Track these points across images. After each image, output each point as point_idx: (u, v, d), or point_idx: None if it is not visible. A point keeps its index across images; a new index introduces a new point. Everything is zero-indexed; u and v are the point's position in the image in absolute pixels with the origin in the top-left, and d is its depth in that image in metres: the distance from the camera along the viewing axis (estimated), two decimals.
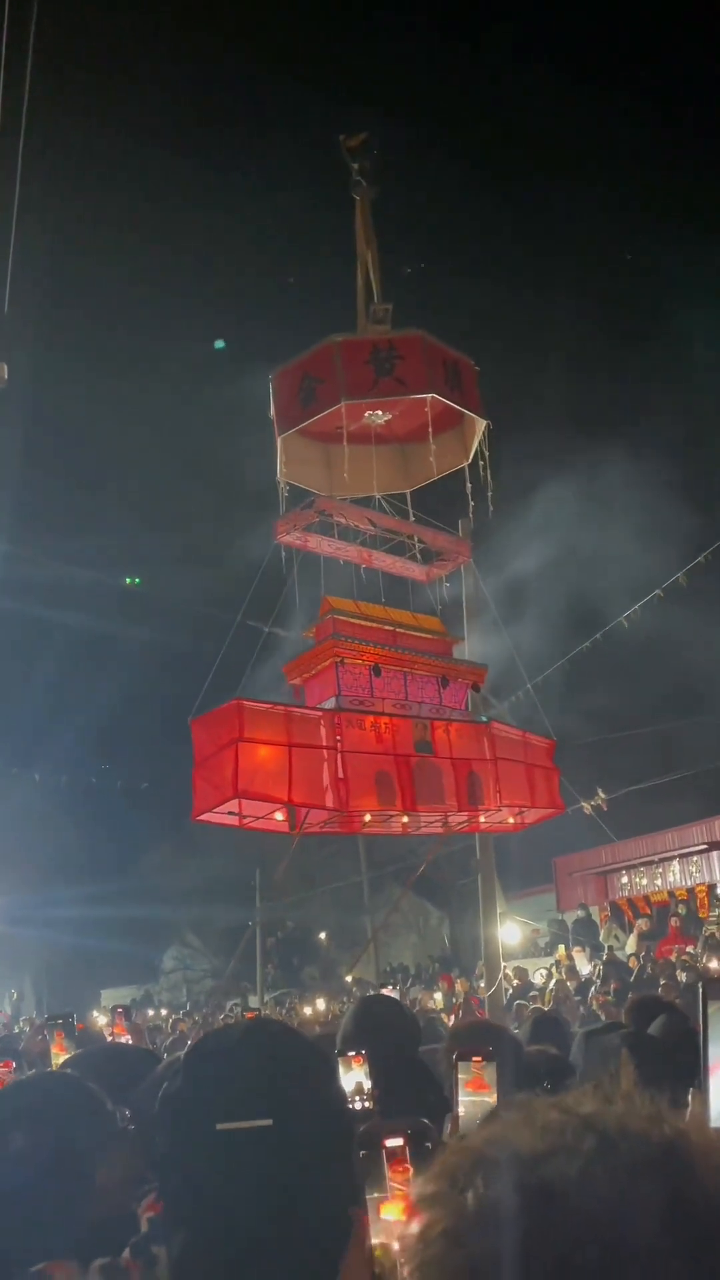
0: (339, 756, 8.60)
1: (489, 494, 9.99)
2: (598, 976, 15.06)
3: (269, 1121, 1.27)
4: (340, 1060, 2.35)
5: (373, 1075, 2.42)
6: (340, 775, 8.56)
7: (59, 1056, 4.26)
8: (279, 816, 9.25)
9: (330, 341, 9.43)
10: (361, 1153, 1.36)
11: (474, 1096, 1.89)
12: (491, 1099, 1.88)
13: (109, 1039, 5.71)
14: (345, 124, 10.58)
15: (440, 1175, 0.75)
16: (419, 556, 10.42)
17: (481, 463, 9.97)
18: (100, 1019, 12.65)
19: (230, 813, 8.90)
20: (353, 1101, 2.31)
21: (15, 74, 7.75)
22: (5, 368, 10.28)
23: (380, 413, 9.84)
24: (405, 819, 9.61)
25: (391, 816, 9.41)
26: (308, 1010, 17.66)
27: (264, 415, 10.02)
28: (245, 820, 9.21)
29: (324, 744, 8.66)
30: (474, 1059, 1.90)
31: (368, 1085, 2.38)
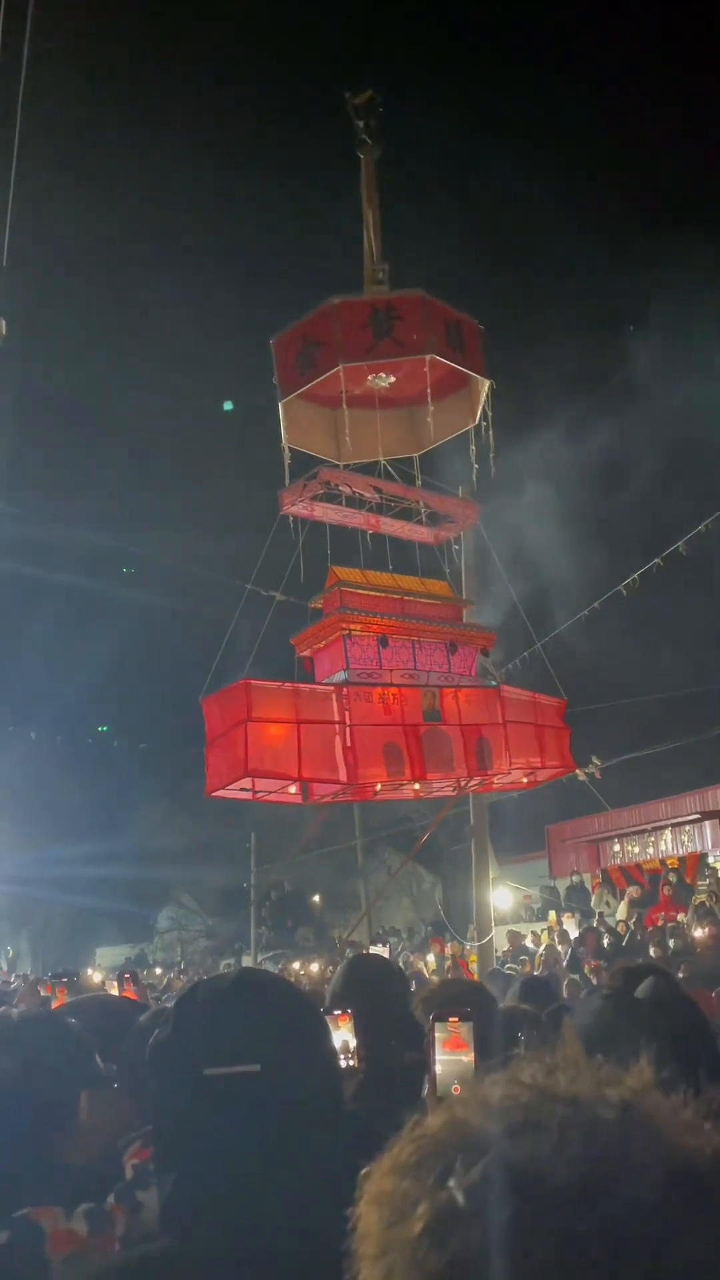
0: (347, 730, 8.65)
1: (491, 456, 9.88)
2: (576, 943, 15.25)
3: (257, 1067, 1.29)
4: (327, 1019, 2.37)
5: (358, 1034, 2.46)
6: (349, 748, 8.62)
7: None
8: (292, 790, 9.31)
9: (329, 304, 9.25)
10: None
11: (451, 1055, 1.92)
12: (468, 1058, 1.91)
13: None
14: (351, 81, 10.39)
15: (400, 1170, 0.67)
16: (425, 520, 10.36)
17: (484, 424, 9.85)
18: (95, 976, 12.75)
19: (243, 788, 8.97)
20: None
21: (15, 26, 7.61)
22: (3, 323, 10.15)
23: (384, 375, 9.71)
24: (416, 786, 9.68)
25: (402, 784, 9.47)
26: (301, 970, 17.82)
27: (269, 379, 9.91)
28: (259, 794, 9.28)
29: (333, 719, 8.71)
30: (451, 1019, 1.93)
31: (353, 1044, 2.41)
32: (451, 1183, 0.63)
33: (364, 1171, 0.71)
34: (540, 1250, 0.59)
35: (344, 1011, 2.44)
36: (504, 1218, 0.61)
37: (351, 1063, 2.37)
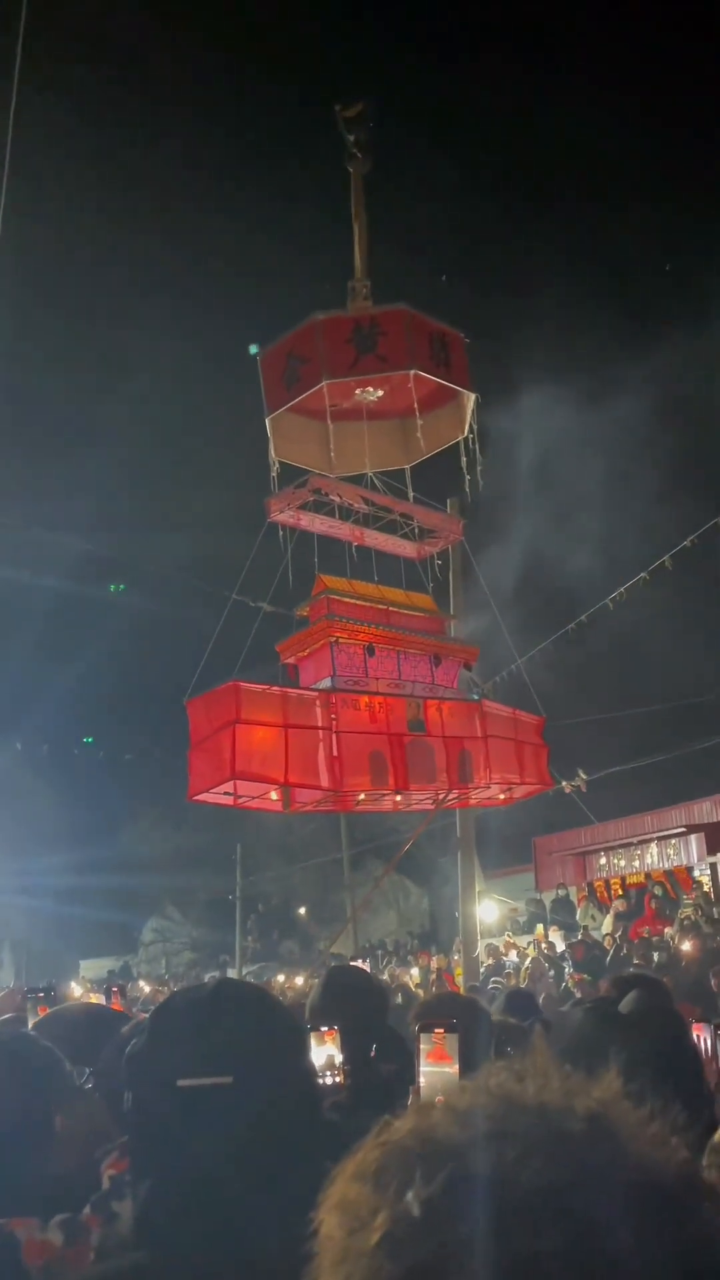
0: (333, 737, 8.61)
1: (479, 469, 9.92)
2: (559, 955, 15.21)
3: (229, 1079, 1.28)
4: (312, 1034, 2.35)
5: (343, 1050, 2.43)
6: (335, 755, 8.59)
7: None
8: (274, 796, 9.27)
9: (312, 320, 9.28)
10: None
11: (435, 1067, 1.90)
12: (453, 1070, 1.90)
13: None
14: (343, 93, 10.42)
15: (363, 1176, 0.65)
16: (416, 533, 10.36)
17: (470, 436, 9.88)
18: (76, 989, 12.66)
19: (225, 793, 8.92)
20: (323, 1076, 2.32)
21: (8, 36, 7.58)
22: None
23: (373, 389, 9.74)
24: (398, 797, 9.66)
25: (384, 795, 9.45)
26: (285, 982, 17.74)
27: (256, 388, 9.91)
28: (240, 800, 9.23)
29: (319, 724, 8.67)
30: (435, 1030, 1.92)
31: (339, 1059, 2.39)
32: (410, 1193, 0.62)
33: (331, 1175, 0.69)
34: (500, 1264, 0.58)
35: (330, 1027, 2.42)
36: (464, 1230, 0.59)
37: (337, 1079, 2.35)
